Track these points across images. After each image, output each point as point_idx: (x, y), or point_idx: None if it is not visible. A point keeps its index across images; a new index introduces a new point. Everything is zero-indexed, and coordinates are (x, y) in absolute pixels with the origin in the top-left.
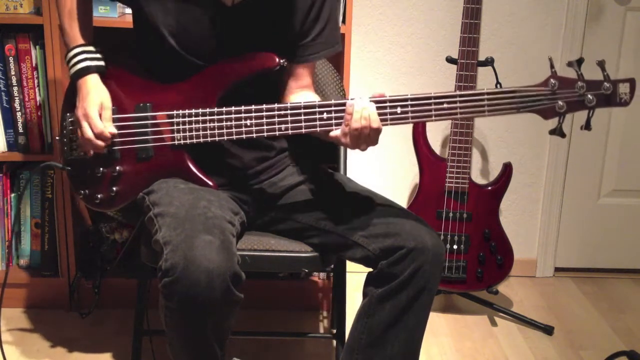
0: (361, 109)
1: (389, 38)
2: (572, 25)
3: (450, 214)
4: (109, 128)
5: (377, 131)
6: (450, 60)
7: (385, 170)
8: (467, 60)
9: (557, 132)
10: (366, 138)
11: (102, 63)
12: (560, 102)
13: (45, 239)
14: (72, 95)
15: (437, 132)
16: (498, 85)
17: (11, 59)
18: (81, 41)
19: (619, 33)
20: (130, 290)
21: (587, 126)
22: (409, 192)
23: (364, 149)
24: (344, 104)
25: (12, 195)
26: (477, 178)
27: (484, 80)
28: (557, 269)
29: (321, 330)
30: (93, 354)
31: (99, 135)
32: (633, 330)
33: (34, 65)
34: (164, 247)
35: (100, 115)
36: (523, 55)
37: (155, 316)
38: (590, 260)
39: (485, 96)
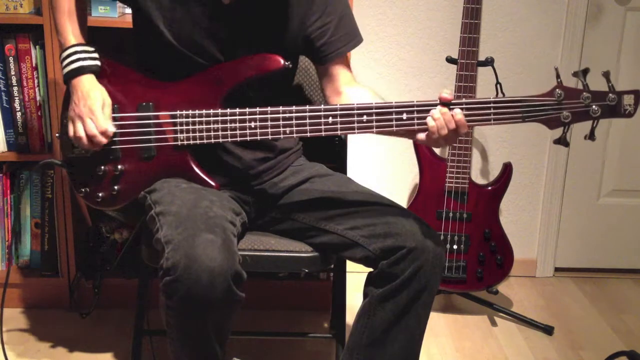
0: (430, 118)
1: (389, 38)
2: (572, 25)
3: (450, 214)
4: (111, 126)
5: (454, 131)
6: (450, 60)
7: (385, 170)
8: (467, 60)
9: (562, 141)
10: (445, 139)
11: (97, 62)
12: (565, 112)
13: (45, 239)
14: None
15: None
16: (498, 86)
17: (11, 59)
18: (80, 40)
19: (619, 33)
20: (130, 290)
21: (591, 136)
22: (409, 192)
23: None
24: (350, 108)
25: (12, 195)
26: (477, 178)
27: (484, 80)
28: (557, 269)
29: (321, 330)
30: (93, 354)
31: (103, 132)
32: (633, 330)
33: (34, 65)
34: (165, 246)
35: None
36: (523, 55)
37: (155, 316)
38: (590, 260)
39: (492, 104)
